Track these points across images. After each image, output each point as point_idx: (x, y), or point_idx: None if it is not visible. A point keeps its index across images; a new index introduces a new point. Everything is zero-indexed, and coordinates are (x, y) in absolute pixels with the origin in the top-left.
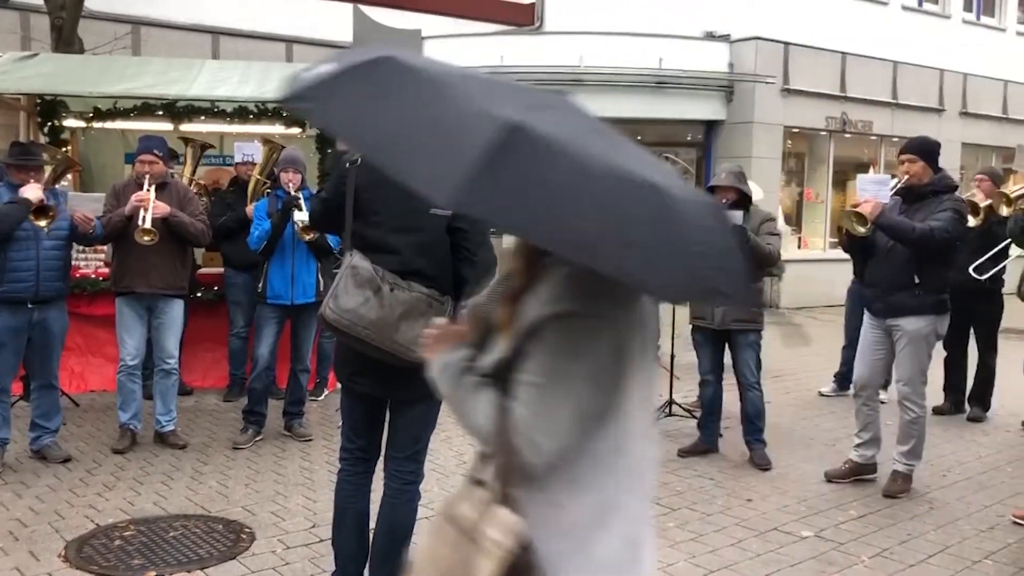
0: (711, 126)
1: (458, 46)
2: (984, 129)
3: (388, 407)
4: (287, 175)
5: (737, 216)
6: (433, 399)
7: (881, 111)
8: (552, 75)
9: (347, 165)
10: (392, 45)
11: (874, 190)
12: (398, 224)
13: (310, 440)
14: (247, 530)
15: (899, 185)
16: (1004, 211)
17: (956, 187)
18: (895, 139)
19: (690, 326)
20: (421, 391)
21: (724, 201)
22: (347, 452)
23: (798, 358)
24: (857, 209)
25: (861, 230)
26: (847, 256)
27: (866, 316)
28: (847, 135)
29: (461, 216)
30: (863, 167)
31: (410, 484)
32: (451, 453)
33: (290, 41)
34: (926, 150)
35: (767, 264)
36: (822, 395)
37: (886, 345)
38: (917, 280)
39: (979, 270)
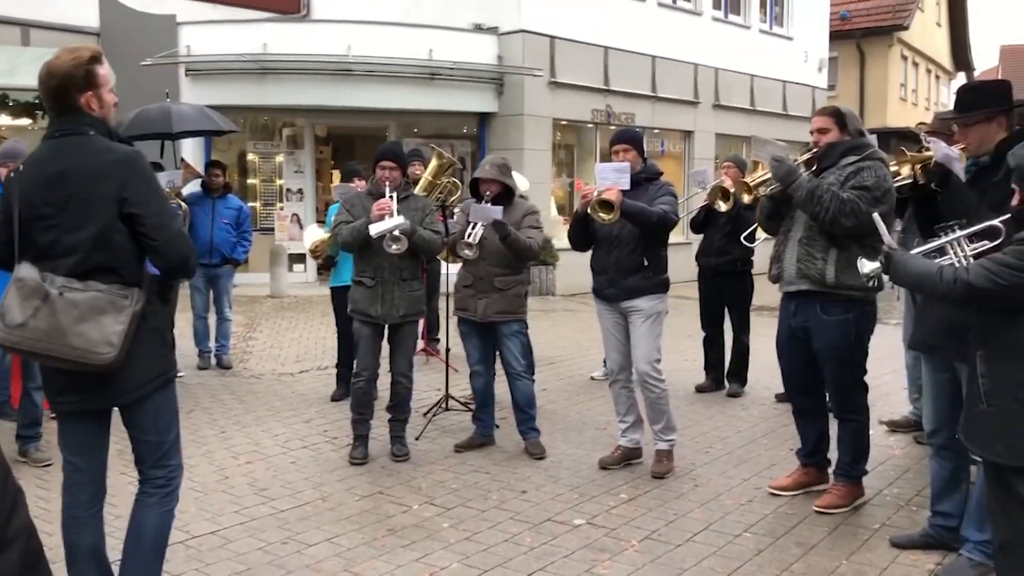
0: (484, 118)
1: (218, 33)
2: (735, 120)
3: (117, 417)
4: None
5: (497, 211)
6: (164, 390)
7: (642, 104)
8: (319, 64)
9: (10, 175)
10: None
11: (615, 178)
12: (71, 222)
13: (49, 465)
14: None
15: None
16: (745, 199)
17: (661, 173)
18: (656, 131)
19: (456, 317)
20: (142, 389)
21: (488, 194)
22: (70, 481)
23: (572, 343)
24: (604, 197)
25: (607, 218)
26: None
27: (599, 305)
28: (612, 127)
29: (133, 200)
30: None
31: (161, 487)
32: (211, 468)
33: (27, 25)
34: (637, 140)
35: (527, 258)
36: (594, 379)
37: (626, 327)
38: (646, 263)
39: (749, 239)
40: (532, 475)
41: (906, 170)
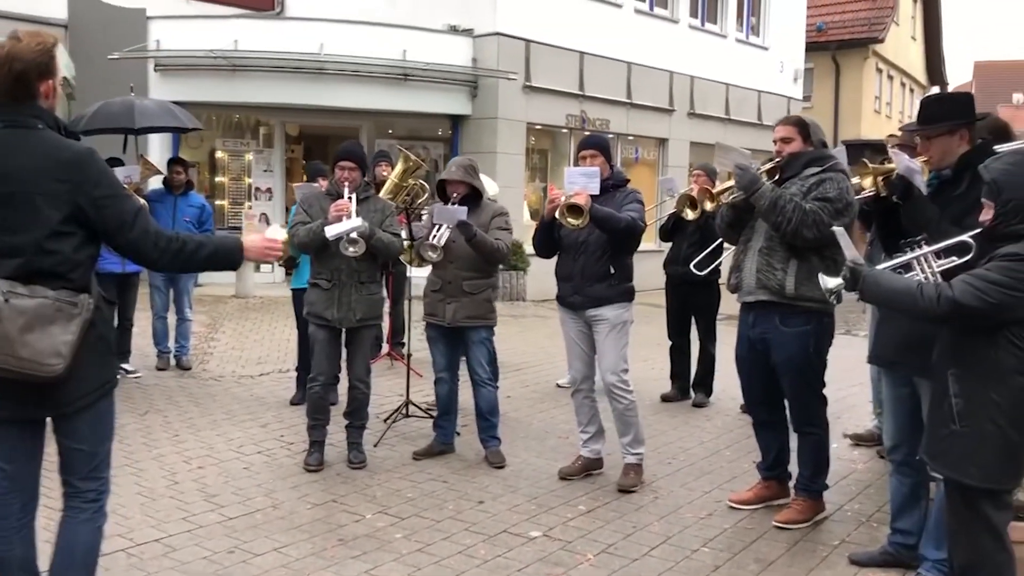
0: (457, 121)
1: (188, 28)
2: (710, 129)
3: (52, 426)
4: None
5: (461, 212)
6: (107, 398)
7: (617, 110)
8: (291, 62)
9: None
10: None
11: (583, 182)
12: (14, 222)
13: None
14: None
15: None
16: (708, 206)
17: (628, 180)
18: (630, 137)
19: (424, 322)
20: (86, 398)
21: (455, 195)
22: (0, 489)
23: (540, 350)
24: (573, 201)
25: (575, 222)
26: None
27: (563, 312)
28: (587, 132)
29: (92, 202)
30: None
31: (92, 502)
32: (161, 472)
33: None
34: (605, 146)
35: (495, 260)
36: (559, 387)
37: (590, 336)
38: (612, 271)
39: (699, 266)
40: (490, 485)
41: (868, 182)
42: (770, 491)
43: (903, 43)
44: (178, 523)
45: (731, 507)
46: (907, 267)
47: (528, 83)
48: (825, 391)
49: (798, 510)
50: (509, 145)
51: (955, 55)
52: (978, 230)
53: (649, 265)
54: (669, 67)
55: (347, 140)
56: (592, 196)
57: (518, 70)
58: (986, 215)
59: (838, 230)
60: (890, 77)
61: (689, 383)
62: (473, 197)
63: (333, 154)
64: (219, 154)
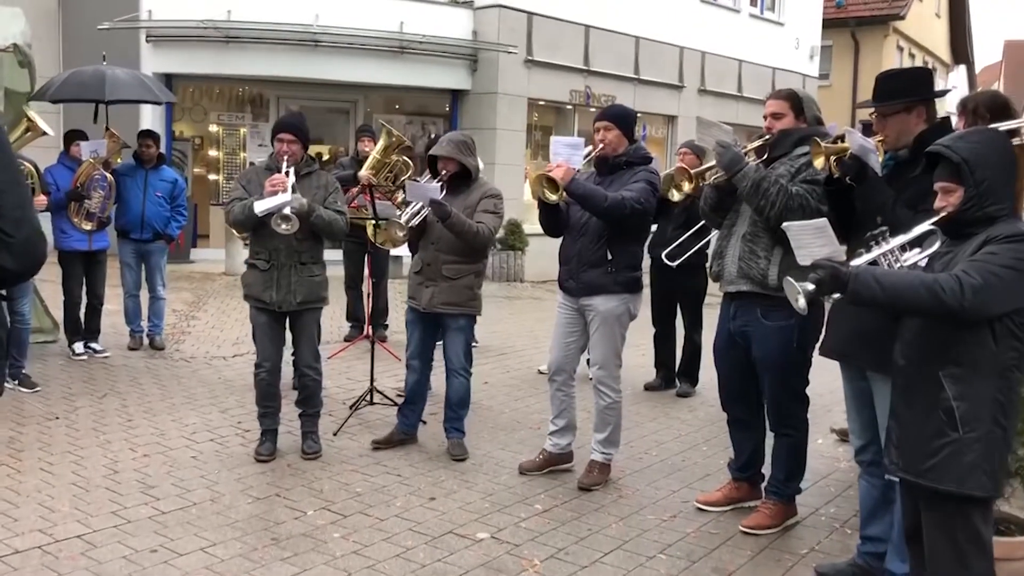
0: (456, 96)
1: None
2: (722, 106)
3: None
4: None
5: (433, 189)
6: None
7: (624, 86)
8: (284, 34)
9: None
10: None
11: (567, 153)
12: None
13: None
14: None
15: (593, 154)
16: (686, 187)
17: (651, 159)
18: (638, 115)
19: (406, 305)
20: None
21: (444, 172)
22: None
23: (528, 334)
24: (549, 173)
25: (552, 197)
26: None
27: (560, 296)
28: (592, 109)
29: None
30: None
31: None
32: (104, 461)
33: None
34: (623, 118)
35: (475, 244)
36: (541, 373)
37: (579, 326)
38: (610, 257)
39: (672, 256)
40: (446, 479)
41: (820, 163)
42: (740, 492)
43: (926, 20)
44: (106, 517)
45: (698, 508)
46: (871, 264)
47: (530, 57)
48: (812, 386)
49: (767, 515)
50: (510, 121)
51: (983, 33)
52: (941, 215)
53: None
54: (679, 42)
55: (291, 112)
56: (600, 174)
57: (520, 43)
58: (945, 199)
59: (816, 221)
60: (912, 55)
61: (674, 372)
62: (464, 176)
63: (347, 130)
64: (212, 127)
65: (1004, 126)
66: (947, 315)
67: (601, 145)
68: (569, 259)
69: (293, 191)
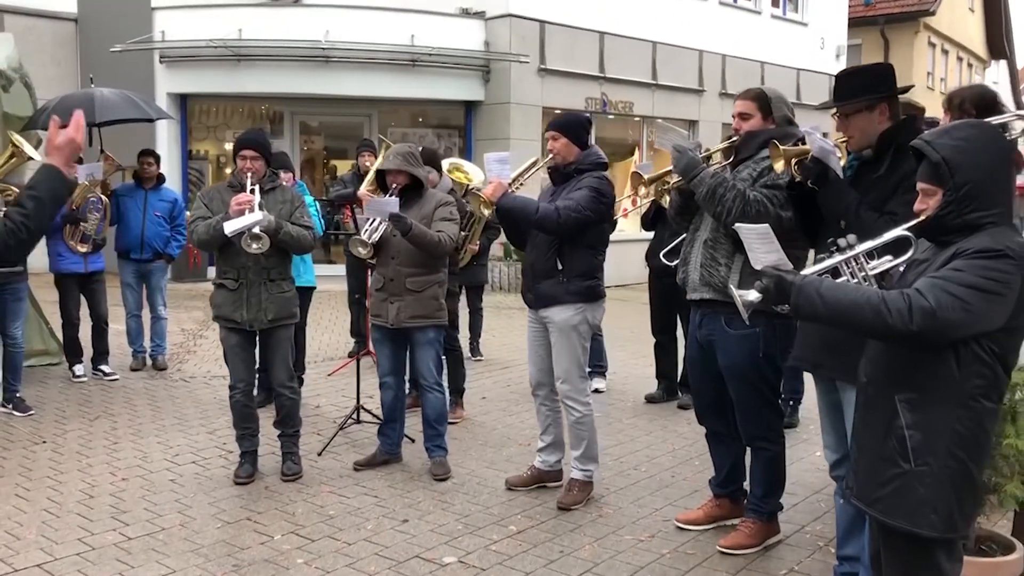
0: (470, 107)
1: (193, 18)
2: None
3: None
4: None
5: (392, 204)
6: None
7: (642, 92)
8: (295, 51)
9: None
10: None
11: (497, 170)
12: None
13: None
14: None
15: (540, 164)
16: (641, 192)
17: (605, 164)
18: (658, 120)
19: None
20: None
21: (395, 186)
22: None
23: None
24: (478, 192)
25: (487, 212)
26: None
27: (528, 310)
28: (609, 116)
29: None
30: (628, 149)
31: None
32: (81, 485)
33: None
34: (569, 126)
35: (437, 254)
36: None
37: (547, 338)
38: (560, 266)
39: (669, 256)
40: (423, 500)
41: (780, 166)
42: (721, 510)
43: (959, 15)
44: (72, 544)
45: (678, 527)
46: (834, 272)
47: (543, 66)
48: (809, 396)
49: (747, 534)
50: (524, 131)
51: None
52: (917, 221)
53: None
54: (698, 45)
55: (251, 129)
56: (555, 183)
57: (533, 52)
58: (924, 202)
59: (759, 227)
60: (944, 52)
61: (676, 383)
62: (415, 187)
63: (357, 145)
64: (227, 145)
65: (994, 120)
66: (897, 339)
67: (551, 155)
68: (526, 271)
69: (260, 208)
